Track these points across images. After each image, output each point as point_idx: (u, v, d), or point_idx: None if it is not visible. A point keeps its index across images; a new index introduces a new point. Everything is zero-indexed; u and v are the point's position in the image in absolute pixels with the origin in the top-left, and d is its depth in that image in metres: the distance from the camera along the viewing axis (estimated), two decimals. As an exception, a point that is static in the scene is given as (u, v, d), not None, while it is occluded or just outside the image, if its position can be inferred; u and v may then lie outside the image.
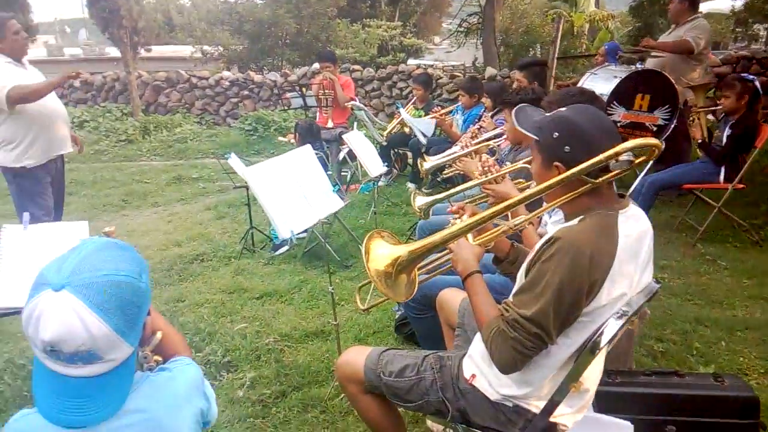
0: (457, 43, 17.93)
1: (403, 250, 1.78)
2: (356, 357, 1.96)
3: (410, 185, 6.37)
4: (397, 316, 3.33)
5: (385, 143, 6.34)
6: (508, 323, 1.53)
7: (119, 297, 1.08)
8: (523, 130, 1.71)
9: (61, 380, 1.07)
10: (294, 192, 2.53)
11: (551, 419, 1.64)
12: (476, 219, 1.74)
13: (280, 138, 5.96)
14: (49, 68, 15.21)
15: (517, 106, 1.75)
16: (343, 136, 3.96)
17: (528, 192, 1.67)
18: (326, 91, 6.44)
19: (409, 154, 6.71)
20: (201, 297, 3.92)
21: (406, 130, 5.96)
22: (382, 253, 1.78)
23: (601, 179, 1.56)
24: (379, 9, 19.15)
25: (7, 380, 2.94)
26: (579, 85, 5.91)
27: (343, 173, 6.59)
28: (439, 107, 6.03)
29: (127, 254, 1.17)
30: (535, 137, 1.65)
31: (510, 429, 1.70)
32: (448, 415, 1.80)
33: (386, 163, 6.32)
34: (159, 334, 1.39)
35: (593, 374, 1.66)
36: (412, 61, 16.06)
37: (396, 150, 6.59)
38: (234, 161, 4.70)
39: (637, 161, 1.56)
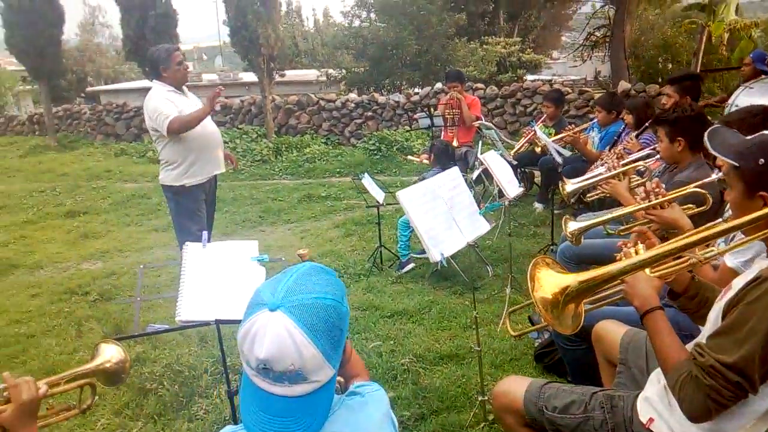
0: (580, 58, 17.33)
1: (572, 279, 1.69)
2: (515, 387, 1.89)
3: (537, 205, 6.17)
4: (536, 344, 3.20)
5: (514, 162, 6.20)
6: (704, 369, 1.40)
7: (326, 320, 1.11)
8: (721, 156, 1.56)
9: (267, 398, 1.11)
10: (444, 214, 2.53)
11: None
12: (662, 251, 1.61)
13: (410, 157, 6.03)
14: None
15: (711, 128, 1.60)
16: (480, 156, 3.93)
17: (730, 224, 1.51)
18: (453, 110, 6.45)
19: (536, 173, 6.50)
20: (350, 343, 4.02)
21: (537, 149, 5.79)
22: (549, 281, 1.70)
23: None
24: (498, 25, 19.01)
25: (166, 386, 3.18)
26: (732, 100, 5.43)
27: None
28: (572, 125, 5.80)
29: (332, 278, 1.20)
30: (735, 163, 1.50)
31: None
32: (616, 459, 1.67)
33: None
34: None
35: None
36: (530, 77, 15.70)
37: (523, 169, 6.42)
38: (367, 181, 4.83)
39: None
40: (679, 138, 2.81)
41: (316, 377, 1.11)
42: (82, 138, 13.69)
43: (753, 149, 1.46)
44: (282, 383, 1.10)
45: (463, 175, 3.57)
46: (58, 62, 13.18)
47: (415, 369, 3.21)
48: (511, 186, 3.69)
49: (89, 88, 21.70)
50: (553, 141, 4.95)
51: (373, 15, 16.53)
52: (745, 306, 1.37)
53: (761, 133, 1.50)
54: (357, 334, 3.68)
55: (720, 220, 1.79)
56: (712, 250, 1.63)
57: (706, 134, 1.61)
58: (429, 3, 14.28)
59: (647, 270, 1.70)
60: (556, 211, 4.92)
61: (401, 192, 2.65)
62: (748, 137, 1.53)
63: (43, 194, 8.66)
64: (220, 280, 2.00)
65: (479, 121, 6.21)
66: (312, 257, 5.14)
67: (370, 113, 11.01)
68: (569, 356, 2.48)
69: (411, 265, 4.78)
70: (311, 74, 17.90)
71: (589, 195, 3.44)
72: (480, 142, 6.27)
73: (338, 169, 8.95)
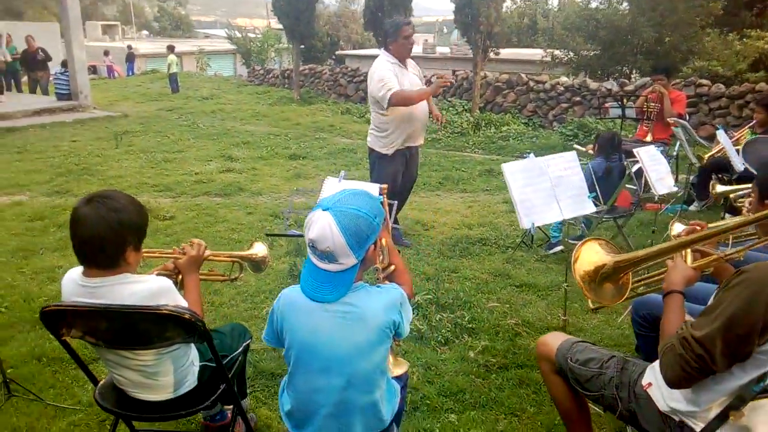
0: None
1: (609, 259, 1.95)
2: (554, 340, 2.19)
3: (728, 215, 5.72)
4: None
5: (704, 166, 5.81)
6: (680, 340, 1.60)
7: (357, 224, 1.64)
8: (747, 165, 1.68)
9: (314, 268, 1.68)
10: (546, 190, 2.78)
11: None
12: (688, 239, 1.80)
13: (577, 147, 6.02)
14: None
15: (751, 139, 1.69)
16: (634, 150, 3.93)
17: (735, 221, 1.65)
18: (653, 104, 6.22)
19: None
20: (471, 273, 4.46)
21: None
22: (590, 259, 1.98)
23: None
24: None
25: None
26: None
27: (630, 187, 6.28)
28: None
29: (372, 201, 1.73)
30: (755, 172, 1.62)
31: None
32: (617, 412, 1.91)
33: (695, 188, 5.82)
34: (392, 267, 1.96)
35: (765, 416, 1.57)
36: None
37: (718, 175, 5.95)
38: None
39: None
40: None
41: (343, 260, 1.64)
42: (319, 95, 15.71)
43: None
44: (323, 260, 1.65)
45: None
46: (310, 26, 15.19)
47: (518, 331, 3.53)
48: (661, 183, 3.68)
49: (338, 51, 24.35)
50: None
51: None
52: (722, 292, 1.53)
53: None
54: (480, 293, 4.08)
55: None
56: (734, 249, 1.75)
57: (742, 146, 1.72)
58: (680, -13, 13.08)
59: (689, 261, 1.88)
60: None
61: (506, 164, 2.96)
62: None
63: (277, 138, 10.38)
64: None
65: (675, 118, 5.91)
66: (472, 225, 5.61)
67: (578, 98, 10.79)
68: (641, 341, 2.60)
69: (559, 248, 4.94)
70: (537, 54, 17.71)
71: (739, 201, 3.33)
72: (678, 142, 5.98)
73: (529, 150, 9.08)
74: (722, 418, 1.56)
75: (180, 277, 2.18)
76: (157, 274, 2.10)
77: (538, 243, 5.18)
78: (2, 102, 12.13)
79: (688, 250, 1.85)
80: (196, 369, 2.13)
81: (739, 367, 1.55)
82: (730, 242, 1.89)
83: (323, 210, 1.65)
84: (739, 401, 1.51)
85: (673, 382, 1.64)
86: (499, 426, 2.66)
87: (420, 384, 2.97)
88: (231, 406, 2.40)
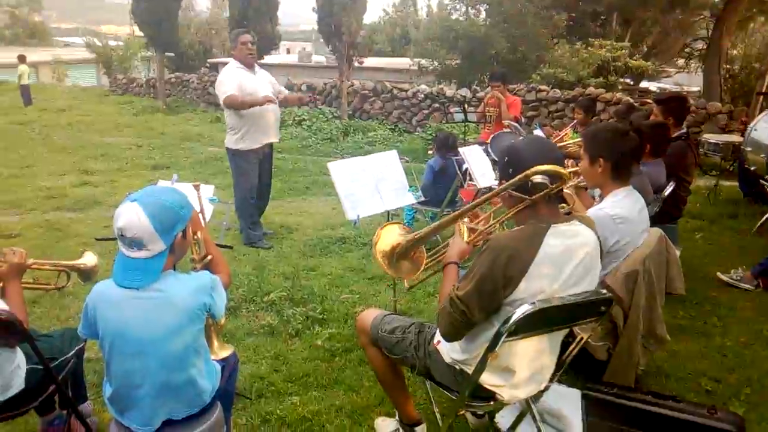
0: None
1: (402, 239, 2.27)
2: (369, 315, 2.47)
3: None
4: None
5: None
6: (449, 300, 1.92)
7: (163, 213, 1.79)
8: (493, 155, 2.07)
9: (124, 259, 1.81)
10: (369, 185, 3.09)
11: (488, 387, 1.98)
12: (455, 214, 2.18)
13: (430, 151, 6.55)
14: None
15: (495, 134, 2.11)
16: (460, 149, 4.40)
17: (483, 197, 2.04)
18: (491, 108, 6.86)
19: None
20: (329, 269, 4.71)
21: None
22: (387, 241, 2.30)
23: (533, 197, 1.87)
24: (609, 28, 18.47)
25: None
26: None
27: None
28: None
29: (178, 195, 1.89)
30: (497, 159, 2.01)
31: (458, 387, 2.07)
32: (415, 369, 2.22)
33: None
34: (209, 258, 2.12)
35: (520, 357, 1.94)
36: (647, 84, 15.29)
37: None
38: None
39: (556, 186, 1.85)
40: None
41: (151, 246, 1.79)
42: (188, 104, 15.30)
43: (505, 150, 1.98)
44: (132, 248, 1.79)
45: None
46: (173, 34, 14.78)
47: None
48: (483, 177, 4.14)
49: (210, 60, 23.70)
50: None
51: (472, 10, 16.80)
52: (476, 257, 1.88)
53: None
54: (335, 288, 4.33)
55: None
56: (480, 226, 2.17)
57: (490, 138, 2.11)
58: (528, 1, 14.34)
59: (465, 237, 2.23)
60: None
61: (332, 163, 3.26)
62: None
63: (140, 149, 10.04)
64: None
65: (508, 121, 6.58)
66: (334, 225, 5.84)
67: (437, 104, 11.51)
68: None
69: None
70: (405, 62, 18.50)
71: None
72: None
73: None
74: (484, 360, 1.90)
75: (1, 284, 2.19)
76: (-25, 281, 2.11)
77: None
78: None
79: (464, 228, 2.21)
80: (23, 372, 2.15)
81: (494, 317, 1.90)
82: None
83: (131, 201, 1.79)
84: (493, 344, 1.85)
85: (447, 335, 1.96)
86: (337, 401, 2.90)
87: (267, 373, 3.14)
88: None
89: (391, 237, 2.28)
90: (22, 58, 16.45)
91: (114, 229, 1.82)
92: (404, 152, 9.49)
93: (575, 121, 6.58)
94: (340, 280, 4.50)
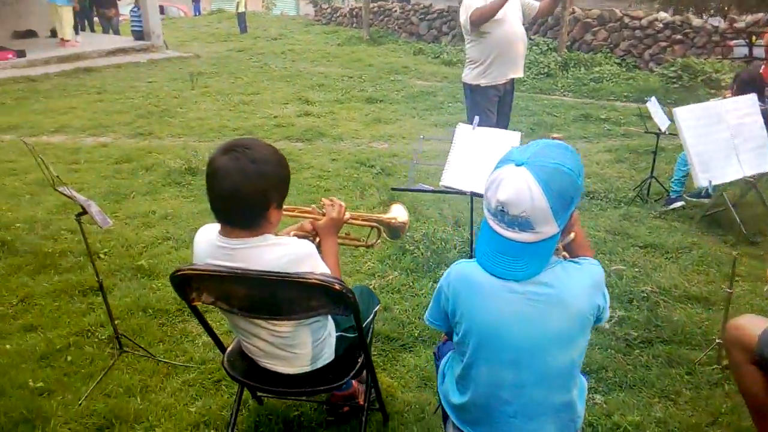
0: None
1: None
2: (753, 324, 1.82)
3: None
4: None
5: None
6: None
7: (561, 183, 1.29)
8: None
9: (498, 239, 1.36)
10: (724, 141, 2.34)
11: None
12: None
13: (713, 100, 5.35)
14: None
15: None
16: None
17: None
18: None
19: None
20: (586, 230, 4.06)
21: None
22: None
23: None
24: None
25: (421, 249, 3.69)
26: None
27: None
28: None
29: (573, 156, 1.37)
30: None
31: None
32: None
33: None
34: (572, 235, 1.60)
35: None
36: None
37: None
38: (653, 106, 4.52)
39: None
40: None
41: (541, 228, 1.31)
42: (389, 34, 15.06)
43: None
44: (513, 228, 1.33)
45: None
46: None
47: (655, 300, 3.15)
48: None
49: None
50: None
51: None
52: None
53: None
54: (602, 255, 3.69)
55: None
56: None
57: None
58: None
59: None
60: None
61: (679, 108, 2.51)
62: None
63: (351, 80, 9.99)
64: (481, 160, 2.27)
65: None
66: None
67: (679, 36, 9.79)
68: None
69: (680, 203, 4.45)
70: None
71: None
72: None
73: (626, 94, 8.36)
74: None
75: (317, 239, 1.92)
76: (293, 235, 1.85)
77: (654, 197, 4.70)
78: (79, 42, 12.21)
79: None
80: (333, 341, 1.89)
81: None
82: None
83: (517, 165, 1.31)
84: None
85: None
86: (654, 411, 2.33)
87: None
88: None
89: None
90: (238, -13, 17.39)
91: (487, 199, 1.37)
92: (640, 92, 8.24)
93: None
94: (603, 245, 3.85)
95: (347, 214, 1.95)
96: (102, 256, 3.67)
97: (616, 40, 10.55)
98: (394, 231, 2.14)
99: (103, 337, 2.81)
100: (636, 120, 7.03)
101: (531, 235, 1.32)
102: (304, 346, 1.79)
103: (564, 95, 8.72)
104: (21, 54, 10.78)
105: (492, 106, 4.54)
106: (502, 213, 1.32)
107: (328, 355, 1.87)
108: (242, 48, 13.84)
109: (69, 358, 2.65)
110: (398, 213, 2.14)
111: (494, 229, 1.37)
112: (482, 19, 4.23)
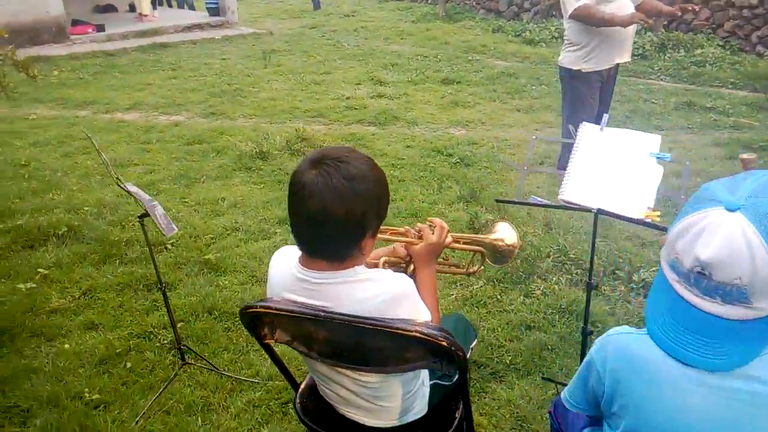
0: None
1: None
2: None
3: None
4: None
5: None
6: None
7: None
8: None
9: (687, 310, 0.97)
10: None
11: None
12: None
13: None
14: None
15: None
16: None
17: None
18: None
19: None
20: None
21: None
22: None
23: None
24: None
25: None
26: None
27: None
28: None
29: None
30: None
31: None
32: None
33: None
34: None
35: None
36: None
37: None
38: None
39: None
40: None
41: (761, 304, 0.91)
42: (466, 11, 14.39)
43: None
44: (713, 298, 0.94)
45: None
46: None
47: None
48: None
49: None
50: None
51: None
52: None
53: None
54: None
55: None
56: None
57: None
58: None
59: None
60: None
61: None
62: None
63: (426, 59, 9.53)
64: (611, 168, 1.85)
65: None
66: (679, 173, 4.58)
67: (797, 16, 8.71)
68: None
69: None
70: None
71: None
72: None
73: (732, 80, 7.50)
74: None
75: (411, 267, 1.58)
76: (384, 263, 1.52)
77: None
78: (157, 17, 12.32)
79: None
80: (427, 390, 1.57)
81: None
82: None
83: (729, 210, 0.92)
84: None
85: None
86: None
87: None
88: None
89: None
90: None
91: (676, 253, 0.98)
92: (750, 79, 7.38)
93: None
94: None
95: (449, 238, 1.60)
96: (169, 247, 3.50)
97: (720, 19, 9.53)
98: (501, 255, 1.77)
99: (166, 341, 2.62)
100: (745, 110, 6.28)
101: (743, 310, 0.93)
102: (393, 398, 1.47)
103: (661, 79, 7.94)
104: (101, 28, 10.96)
105: (594, 93, 4.04)
106: (700, 276, 0.94)
107: (419, 408, 1.54)
108: (315, 25, 13.59)
109: (128, 364, 2.47)
110: (505, 233, 1.76)
111: (683, 296, 0.98)
112: (586, 21, 3.80)
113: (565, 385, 2.24)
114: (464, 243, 1.74)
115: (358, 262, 1.30)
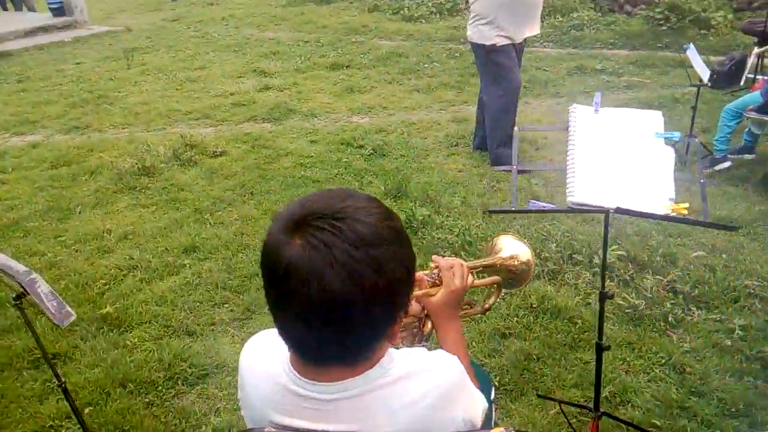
0: None
1: None
2: None
3: None
4: None
5: None
6: None
7: None
8: None
9: None
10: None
11: None
12: None
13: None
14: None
15: None
16: None
17: None
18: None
19: None
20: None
21: None
22: None
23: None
24: None
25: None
26: None
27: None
28: None
29: None
30: None
31: None
32: None
33: None
34: None
35: None
36: None
37: None
38: (692, 54, 3.92)
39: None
40: None
41: None
42: (336, -8, 13.92)
43: None
44: None
45: None
46: None
47: (765, 295, 2.58)
48: None
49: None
50: None
51: None
52: None
53: None
54: (670, 238, 3.10)
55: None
56: None
57: None
58: None
59: None
60: None
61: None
62: None
63: (307, 45, 8.99)
64: (618, 157, 1.56)
65: None
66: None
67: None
68: None
69: (727, 164, 3.93)
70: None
71: None
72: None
73: (611, 40, 7.74)
74: None
75: (428, 324, 1.18)
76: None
77: (694, 159, 4.13)
78: (-13, 23, 10.64)
79: None
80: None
81: None
82: None
83: None
84: None
85: None
86: None
87: (682, 397, 2.05)
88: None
89: None
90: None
91: None
92: (628, 38, 7.68)
93: None
94: (662, 225, 3.25)
95: (471, 278, 1.21)
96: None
97: (586, -18, 9.87)
98: (516, 277, 1.40)
99: (72, 438, 2.01)
100: (633, 69, 6.49)
101: None
102: None
103: (545, 46, 8.02)
104: None
105: (515, 64, 3.88)
106: None
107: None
108: (176, 17, 12.45)
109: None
110: (515, 249, 1.39)
111: None
112: None
113: (564, 401, 1.98)
114: (480, 275, 1.36)
115: (383, 354, 0.88)
